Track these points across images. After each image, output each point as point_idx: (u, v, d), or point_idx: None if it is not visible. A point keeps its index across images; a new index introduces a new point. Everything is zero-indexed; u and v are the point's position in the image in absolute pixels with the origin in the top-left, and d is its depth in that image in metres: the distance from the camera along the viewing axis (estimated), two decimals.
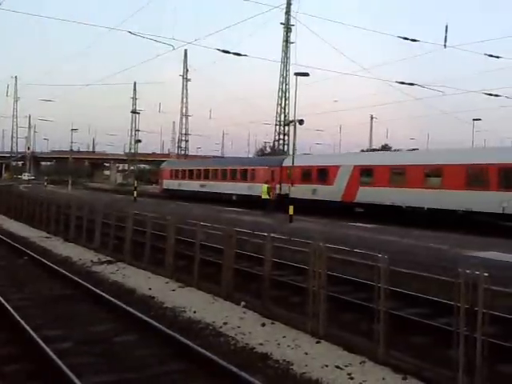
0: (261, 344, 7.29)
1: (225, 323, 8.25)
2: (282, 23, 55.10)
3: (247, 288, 10.39)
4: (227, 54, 26.93)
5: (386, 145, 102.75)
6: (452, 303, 6.18)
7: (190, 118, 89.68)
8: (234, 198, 38.43)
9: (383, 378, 6.10)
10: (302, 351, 7.03)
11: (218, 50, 25.96)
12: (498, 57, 27.94)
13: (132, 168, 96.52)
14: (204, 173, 44.62)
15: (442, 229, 21.28)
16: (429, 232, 20.60)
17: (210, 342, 7.35)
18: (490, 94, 30.94)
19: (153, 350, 6.93)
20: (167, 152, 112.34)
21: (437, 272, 10.66)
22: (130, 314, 8.34)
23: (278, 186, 34.24)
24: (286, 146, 57.28)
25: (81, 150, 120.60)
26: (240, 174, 39.66)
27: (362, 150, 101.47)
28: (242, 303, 9.40)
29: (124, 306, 8.70)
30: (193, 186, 44.90)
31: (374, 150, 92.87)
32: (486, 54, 27.72)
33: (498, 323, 8.10)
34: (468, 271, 6.06)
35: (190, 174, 46.55)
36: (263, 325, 8.23)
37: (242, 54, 27.54)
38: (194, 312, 8.89)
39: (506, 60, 28.83)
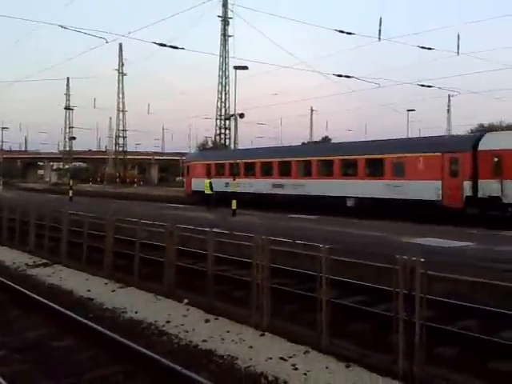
0: (205, 340, 7.20)
1: (167, 321, 8.09)
2: (219, 16, 54.90)
3: (190, 285, 10.24)
4: (164, 48, 26.40)
5: (326, 137, 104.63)
6: (391, 289, 6.31)
7: (127, 113, 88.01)
8: (349, 203, 26.21)
9: (327, 367, 6.15)
10: (247, 345, 6.99)
11: (154, 43, 25.40)
12: (430, 48, 28.85)
13: (67, 166, 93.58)
14: (280, 166, 30.86)
15: (385, 218, 21.85)
16: (371, 221, 21.10)
17: (153, 341, 7.18)
18: (423, 85, 31.92)
19: (92, 353, 6.69)
20: (104, 149, 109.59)
21: (377, 259, 10.89)
22: (68, 317, 8.02)
23: (466, 182, 21.55)
24: (227, 140, 57.21)
25: (12, 149, 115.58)
26: (367, 165, 26.15)
27: (303, 143, 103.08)
28: (185, 300, 9.26)
29: (61, 309, 8.36)
30: (257, 186, 31.47)
31: (315, 142, 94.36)
32: (419, 46, 28.54)
33: (436, 307, 8.38)
34: (405, 257, 6.20)
35: (250, 169, 32.83)
36: (207, 321, 8.14)
37: (179, 47, 27.02)
38: (136, 312, 8.67)
39: (438, 52, 29.87)
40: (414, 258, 6.14)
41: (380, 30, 27.83)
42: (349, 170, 27.48)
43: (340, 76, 29.45)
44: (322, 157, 29.22)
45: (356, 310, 8.65)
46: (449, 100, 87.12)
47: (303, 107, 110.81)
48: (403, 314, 6.09)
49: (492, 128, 74.28)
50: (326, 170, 28.49)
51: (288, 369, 6.14)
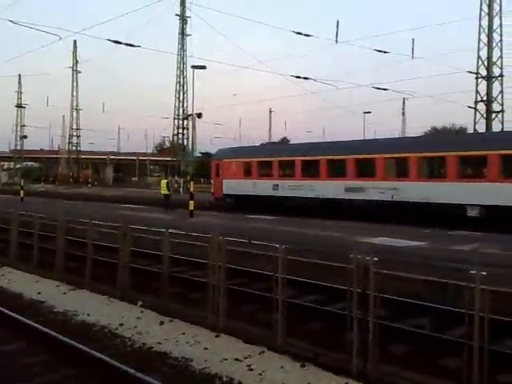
0: (159, 343, 7.08)
1: (121, 324, 7.92)
2: (177, 15, 54.43)
3: (145, 287, 10.08)
4: (120, 46, 26.00)
5: (285, 138, 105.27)
6: (346, 288, 6.36)
7: (81, 111, 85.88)
8: (472, 212, 20.49)
9: (282, 367, 6.15)
10: (202, 347, 6.92)
11: (109, 40, 24.97)
12: (386, 52, 29.49)
13: (18, 166, 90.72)
14: (357, 165, 24.82)
15: (342, 218, 22.14)
16: (328, 221, 21.32)
17: (105, 344, 7.01)
18: (379, 88, 32.58)
19: (42, 357, 6.46)
20: (57, 148, 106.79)
21: (333, 259, 10.99)
22: (17, 320, 7.73)
23: None
24: (185, 140, 56.73)
25: None
26: (503, 163, 20.15)
27: (262, 144, 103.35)
28: (139, 303, 9.10)
29: (10, 312, 8.06)
30: (323, 189, 25.53)
31: (273, 142, 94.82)
32: (375, 50, 29.13)
33: (389, 305, 8.52)
34: (359, 256, 6.27)
35: (310, 168, 26.71)
36: (162, 323, 8.02)
37: (136, 45, 26.73)
38: (88, 315, 8.45)
39: (394, 55, 30.51)
40: (367, 258, 6.22)
41: (337, 33, 28.25)
42: (471, 169, 21.88)
43: (298, 77, 29.76)
44: (427, 152, 22.66)
45: (312, 309, 8.70)
46: (403, 103, 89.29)
47: (262, 108, 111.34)
48: (357, 312, 6.15)
49: (444, 130, 76.52)
50: (433, 170, 22.96)
51: (243, 369, 6.10)
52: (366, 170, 24.48)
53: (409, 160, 22.85)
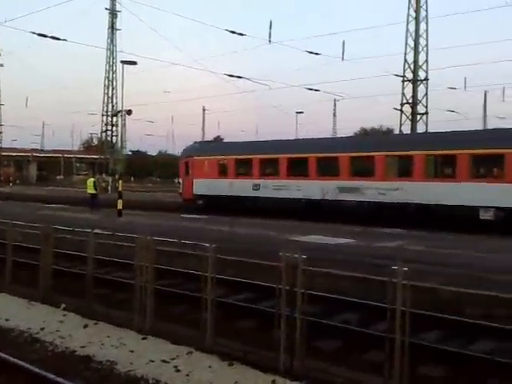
0: (83, 346, 6.82)
1: (42, 328, 7.57)
2: (107, 8, 53.04)
3: (68, 289, 9.69)
4: (46, 39, 24.95)
5: (218, 136, 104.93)
6: (275, 286, 6.39)
7: (2, 107, 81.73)
8: (484, 215, 19.14)
9: (210, 366, 6.09)
10: (127, 349, 6.73)
11: (33, 33, 23.91)
12: (317, 53, 30.08)
13: None
14: (353, 162, 23.16)
15: (277, 217, 22.33)
16: (261, 220, 21.45)
17: (25, 349, 6.68)
18: (311, 89, 33.13)
19: None
20: None
21: (263, 257, 11.05)
22: None
23: None
24: (114, 138, 55.34)
25: None
26: None
27: (195, 142, 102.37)
28: (62, 305, 8.75)
29: None
30: (312, 190, 23.74)
31: (208, 141, 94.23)
32: (307, 51, 29.64)
33: (318, 302, 8.67)
34: (288, 254, 6.32)
35: (297, 167, 24.94)
36: (86, 326, 7.74)
37: (61, 38, 25.74)
38: (6, 320, 8.03)
39: (325, 57, 31.15)
40: (296, 255, 6.28)
41: (270, 33, 28.50)
42: (485, 168, 20.60)
43: (231, 76, 29.76)
44: (438, 150, 20.88)
45: (241, 308, 8.70)
46: (335, 104, 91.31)
47: (195, 106, 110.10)
48: (285, 310, 6.20)
49: (373, 132, 79.12)
50: (444, 169, 21.63)
51: (170, 371, 5.99)
52: (363, 168, 23.12)
53: (413, 158, 21.32)
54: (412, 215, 20.49)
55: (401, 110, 35.15)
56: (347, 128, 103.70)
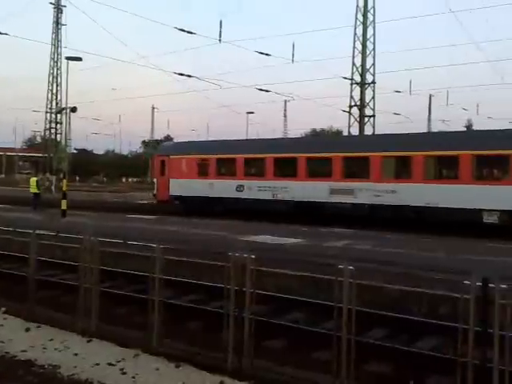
0: (24, 351, 6.58)
1: None
2: (51, 3, 51.49)
3: (9, 292, 9.34)
4: None
5: (168, 135, 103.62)
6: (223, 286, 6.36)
7: None
8: (488, 218, 18.94)
9: (156, 369, 6.00)
10: (72, 352, 6.54)
11: None
12: (268, 54, 30.21)
13: None
14: (345, 163, 22.43)
15: (229, 217, 22.28)
16: (210, 220, 21.34)
17: None
18: (261, 90, 33.20)
19: None
20: None
21: (213, 257, 10.98)
22: None
23: None
24: (58, 136, 53.78)
25: None
26: None
27: (144, 142, 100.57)
28: (3, 309, 8.41)
29: None
30: (302, 191, 22.96)
31: (157, 140, 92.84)
32: (257, 52, 29.72)
33: (268, 302, 8.70)
34: (237, 254, 6.30)
35: (285, 168, 24.12)
36: (28, 330, 7.47)
37: (2, 32, 24.77)
38: None
39: (275, 58, 31.27)
40: (245, 255, 6.27)
41: (220, 32, 28.42)
42: (489, 170, 20.22)
43: (182, 75, 29.48)
44: (439, 151, 20.37)
45: (190, 309, 8.61)
46: (285, 105, 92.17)
47: (144, 104, 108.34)
48: (234, 310, 6.17)
49: (323, 133, 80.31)
50: (445, 170, 21.24)
51: (116, 373, 5.86)
52: (356, 170, 22.42)
53: (412, 160, 20.69)
54: (408, 218, 20.03)
55: (349, 112, 35.80)
56: (298, 129, 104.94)
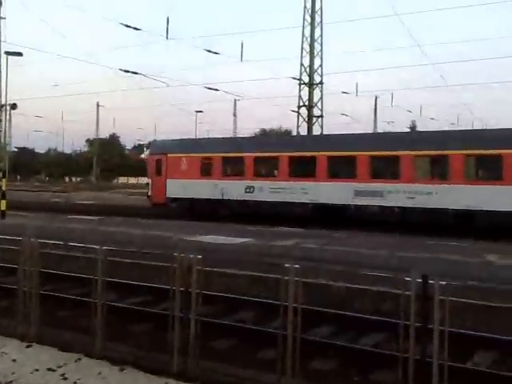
0: None
1: None
2: None
3: None
4: None
5: (114, 134, 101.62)
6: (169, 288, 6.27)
7: None
8: None
9: (99, 373, 5.83)
10: (9, 358, 6.26)
11: None
12: (216, 53, 30.08)
13: None
14: (373, 163, 20.91)
15: (178, 218, 22.05)
16: (163, 221, 21.05)
17: None
18: (210, 88, 32.98)
19: None
20: None
21: (157, 258, 10.83)
22: None
23: None
24: None
25: None
26: None
27: (88, 140, 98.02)
28: None
29: None
30: (324, 193, 21.37)
31: (101, 139, 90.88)
32: (205, 50, 29.52)
33: (215, 302, 8.65)
34: (183, 254, 6.22)
35: (301, 168, 22.43)
36: None
37: None
38: None
39: (224, 56, 31.05)
40: (191, 256, 6.20)
41: (168, 29, 28.06)
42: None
43: (127, 72, 28.94)
44: (479, 150, 18.97)
45: (135, 311, 8.46)
46: (235, 104, 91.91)
47: (88, 101, 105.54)
48: (179, 311, 6.10)
49: (271, 133, 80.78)
50: (488, 170, 19.68)
51: (56, 379, 5.65)
52: (387, 169, 21.05)
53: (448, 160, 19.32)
54: (447, 222, 18.73)
55: (298, 112, 36.13)
56: (247, 128, 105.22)
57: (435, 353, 4.95)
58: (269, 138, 27.04)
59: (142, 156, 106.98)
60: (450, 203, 18.84)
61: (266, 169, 23.84)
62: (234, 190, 23.10)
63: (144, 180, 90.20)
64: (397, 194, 19.80)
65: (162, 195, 25.01)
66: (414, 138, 22.18)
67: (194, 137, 49.47)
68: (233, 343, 7.39)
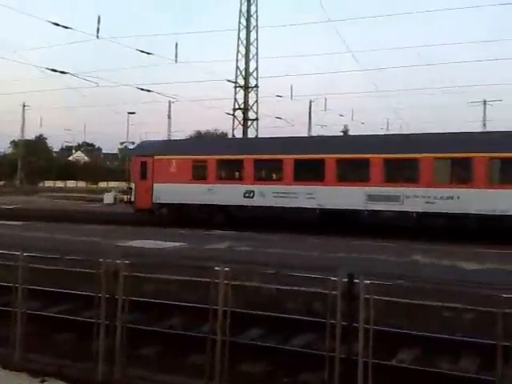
0: None
1: None
2: None
3: None
4: None
5: (41, 135, 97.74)
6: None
7: None
8: None
9: None
10: None
11: None
12: (149, 53, 29.54)
13: None
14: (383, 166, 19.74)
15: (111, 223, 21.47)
16: (85, 225, 20.40)
17: None
18: (143, 89, 32.31)
19: None
20: None
21: (84, 265, 10.47)
22: None
23: None
24: None
25: None
26: None
27: (13, 141, 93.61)
28: None
29: None
30: (333, 197, 20.03)
31: (27, 140, 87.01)
32: (138, 50, 28.90)
33: (142, 308, 8.44)
34: (109, 260, 6.03)
35: (307, 171, 21.38)
36: None
37: None
38: None
39: (158, 57, 30.51)
40: (117, 261, 6.03)
41: (98, 28, 27.29)
42: None
43: (54, 71, 27.86)
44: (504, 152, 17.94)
45: (58, 320, 8.11)
46: (169, 106, 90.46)
47: (13, 101, 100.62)
48: (105, 318, 5.90)
49: (207, 135, 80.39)
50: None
51: None
52: (399, 172, 20.07)
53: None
54: (469, 227, 17.75)
55: (233, 115, 36.21)
56: (182, 131, 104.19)
57: (360, 351, 5.04)
58: (270, 139, 24.30)
59: (70, 158, 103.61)
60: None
61: (268, 172, 22.73)
62: (231, 194, 21.67)
63: (72, 184, 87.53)
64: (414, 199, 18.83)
65: (148, 201, 23.03)
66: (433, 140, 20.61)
67: (126, 139, 48.28)
68: (161, 349, 7.23)
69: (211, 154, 22.67)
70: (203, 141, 29.68)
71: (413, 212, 18.74)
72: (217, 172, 22.43)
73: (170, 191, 22.53)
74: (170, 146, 25.60)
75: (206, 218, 21.81)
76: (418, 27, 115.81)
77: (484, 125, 61.18)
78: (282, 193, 20.83)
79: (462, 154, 18.57)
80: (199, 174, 22.60)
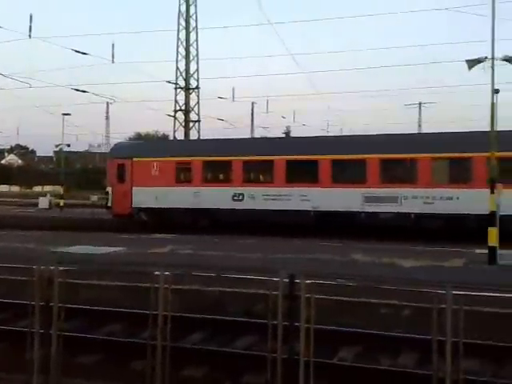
0: None
1: None
2: None
3: None
4: None
5: None
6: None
7: None
8: None
9: None
10: None
11: None
12: (85, 53, 28.78)
13: None
14: (379, 167, 19.51)
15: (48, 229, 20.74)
16: (21, 231, 19.64)
17: None
18: (78, 90, 31.42)
19: None
20: None
21: (15, 273, 10.01)
22: None
23: None
24: None
25: None
26: None
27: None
28: None
29: None
30: (332, 199, 19.51)
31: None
32: (73, 50, 28.11)
33: (82, 315, 8.18)
34: (43, 267, 5.81)
35: (301, 172, 20.66)
36: None
37: None
38: None
39: (94, 58, 29.77)
40: (52, 267, 5.80)
41: (30, 27, 26.38)
42: None
43: None
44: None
45: None
46: (107, 107, 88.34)
47: None
48: (40, 327, 5.67)
49: (148, 137, 79.05)
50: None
51: None
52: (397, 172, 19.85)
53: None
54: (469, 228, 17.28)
55: (174, 117, 35.77)
56: (121, 132, 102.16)
57: (302, 350, 5.07)
58: (261, 140, 23.81)
59: (3, 162, 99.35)
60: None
61: (258, 174, 21.87)
62: (218, 197, 20.75)
63: (5, 188, 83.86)
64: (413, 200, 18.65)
65: (126, 205, 21.87)
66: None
67: (61, 141, 46.78)
68: (100, 357, 7.01)
69: (196, 155, 21.80)
70: (187, 142, 28.44)
71: (410, 213, 18.66)
72: (203, 174, 21.57)
73: (151, 195, 21.53)
74: (151, 148, 24.78)
75: (191, 222, 20.97)
76: (348, 31, 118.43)
77: (419, 126, 63.48)
78: (274, 195, 20.26)
79: (458, 155, 18.52)
80: (183, 176, 21.79)
